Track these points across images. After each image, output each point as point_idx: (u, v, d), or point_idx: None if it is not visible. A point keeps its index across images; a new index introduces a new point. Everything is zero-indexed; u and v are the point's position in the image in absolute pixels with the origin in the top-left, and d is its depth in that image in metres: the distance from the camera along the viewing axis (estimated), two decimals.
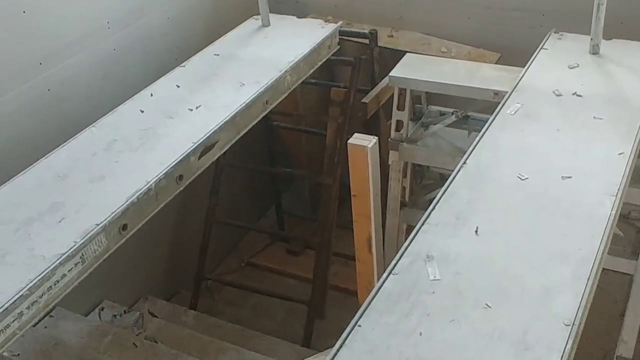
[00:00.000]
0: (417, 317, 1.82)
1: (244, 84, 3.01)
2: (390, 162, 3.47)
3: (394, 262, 2.01)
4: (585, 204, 2.17)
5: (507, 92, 2.82)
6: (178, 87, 3.05)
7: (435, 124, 3.49)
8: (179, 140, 2.65)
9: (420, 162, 3.59)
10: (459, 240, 2.06)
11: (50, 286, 2.05)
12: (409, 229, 3.47)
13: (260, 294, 4.13)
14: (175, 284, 4.18)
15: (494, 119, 2.64)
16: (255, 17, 3.64)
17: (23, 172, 2.51)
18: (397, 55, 3.64)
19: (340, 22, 3.62)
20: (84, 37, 3.23)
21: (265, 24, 3.57)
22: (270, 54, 3.29)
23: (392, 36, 4.12)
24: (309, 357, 3.09)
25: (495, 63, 3.71)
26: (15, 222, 2.25)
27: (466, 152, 2.46)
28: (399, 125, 3.44)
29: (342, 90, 3.91)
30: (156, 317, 3.64)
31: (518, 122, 2.60)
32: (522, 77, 2.90)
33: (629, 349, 3.26)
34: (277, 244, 4.62)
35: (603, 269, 2.03)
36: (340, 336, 1.78)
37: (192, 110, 2.85)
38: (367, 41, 3.83)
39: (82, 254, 2.15)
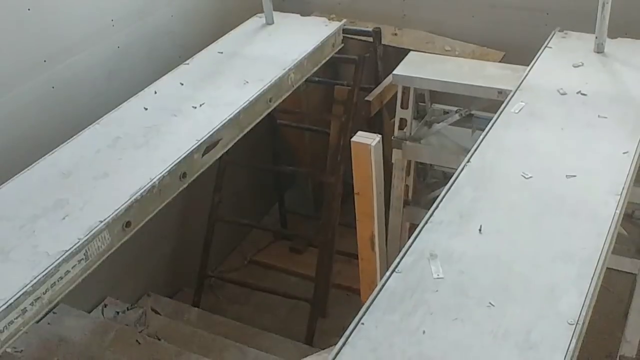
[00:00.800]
0: (420, 315, 1.82)
1: (247, 82, 3.02)
2: (393, 161, 3.47)
3: (397, 260, 2.00)
4: (589, 203, 2.16)
5: (511, 90, 2.82)
6: (182, 84, 3.06)
7: (438, 123, 3.49)
8: (183, 137, 2.65)
9: (423, 161, 3.59)
10: (462, 239, 2.06)
11: (54, 282, 2.06)
12: (412, 227, 3.47)
13: (263, 292, 4.13)
14: (178, 281, 4.19)
15: (498, 117, 2.63)
16: (259, 15, 3.64)
17: (27, 169, 2.53)
18: (400, 54, 3.63)
19: (344, 20, 3.62)
20: (89, 35, 3.23)
21: (269, 22, 3.58)
22: (274, 52, 3.30)
23: (396, 34, 4.12)
24: (311, 355, 3.09)
25: (500, 61, 3.70)
26: (20, 218, 2.26)
27: (470, 150, 2.46)
28: (403, 123, 3.43)
29: (345, 89, 3.91)
30: (159, 314, 3.65)
31: (522, 121, 2.60)
32: (526, 76, 2.90)
33: (632, 349, 3.25)
34: (280, 242, 4.62)
35: (607, 268, 2.02)
36: (342, 334, 1.78)
37: (195, 107, 2.86)
38: (371, 39, 3.83)
39: (86, 251, 2.16)
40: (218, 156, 2.79)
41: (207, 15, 3.93)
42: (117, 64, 3.40)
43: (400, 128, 3.44)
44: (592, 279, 1.89)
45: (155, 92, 3.01)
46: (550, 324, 1.76)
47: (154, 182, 2.41)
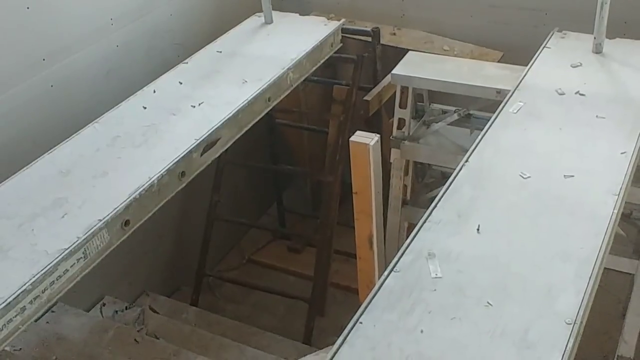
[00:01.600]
0: (418, 314, 1.82)
1: (246, 81, 3.02)
2: (392, 160, 3.47)
3: (395, 259, 2.01)
4: (587, 203, 2.17)
5: (509, 90, 2.82)
6: (181, 83, 3.06)
7: (437, 122, 3.49)
8: (182, 136, 2.65)
9: (422, 160, 3.59)
10: (460, 238, 2.07)
11: (53, 281, 2.06)
12: (410, 227, 3.47)
13: (261, 291, 4.13)
14: (177, 280, 4.19)
15: (496, 117, 2.64)
16: (258, 14, 3.64)
17: (26, 167, 2.52)
18: (399, 53, 3.63)
19: (342, 20, 3.62)
20: (88, 33, 3.23)
21: (268, 21, 3.58)
22: (273, 51, 3.30)
23: (394, 34, 4.12)
24: (309, 354, 3.09)
25: (498, 61, 3.70)
26: (19, 217, 2.26)
27: (468, 150, 2.46)
28: (401, 123, 3.44)
29: (344, 88, 3.91)
30: (157, 313, 3.65)
31: (521, 121, 2.60)
32: (524, 76, 2.90)
33: (630, 349, 3.25)
34: (278, 241, 4.63)
35: (605, 268, 2.03)
36: (340, 334, 1.78)
37: (194, 107, 2.86)
38: (369, 39, 3.83)
39: (85, 250, 2.16)
40: (217, 155, 2.79)
41: (206, 14, 3.93)
42: (116, 62, 3.40)
43: (399, 128, 3.44)
44: (589, 279, 1.89)
45: (154, 91, 3.00)
46: (548, 323, 1.77)
47: (153, 181, 2.41)
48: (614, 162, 2.34)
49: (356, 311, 1.85)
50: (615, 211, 2.13)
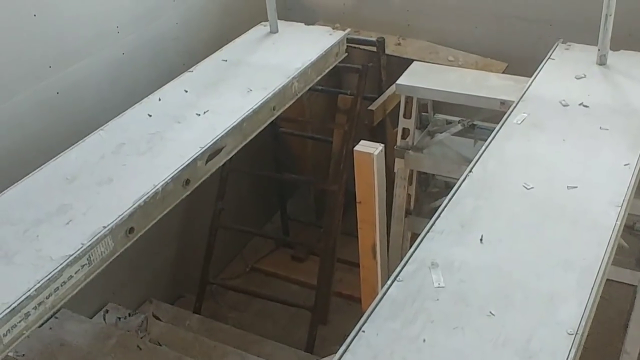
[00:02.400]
0: (421, 323, 1.83)
1: (251, 90, 3.03)
2: (396, 170, 3.48)
3: (398, 268, 2.02)
4: (590, 213, 2.17)
5: (513, 101, 2.83)
6: (186, 92, 3.07)
7: (441, 133, 3.50)
8: (186, 144, 2.66)
9: (426, 170, 3.60)
10: (463, 248, 2.07)
11: (57, 287, 2.07)
12: (414, 236, 3.47)
13: (264, 299, 4.14)
14: (180, 287, 4.20)
15: (500, 128, 2.65)
16: (263, 23, 3.66)
17: (32, 173, 2.53)
18: (404, 63, 3.66)
19: (348, 30, 3.64)
20: (94, 40, 3.25)
21: (274, 31, 3.59)
22: (278, 60, 3.31)
23: (399, 44, 4.14)
24: None
25: (503, 72, 3.72)
26: (24, 222, 2.27)
27: (472, 160, 2.47)
28: (405, 133, 3.45)
29: (349, 98, 3.93)
30: (160, 320, 3.66)
31: (524, 132, 2.61)
32: (528, 87, 2.91)
33: None
34: (281, 250, 4.63)
35: (607, 279, 2.03)
36: (342, 342, 1.79)
37: (199, 115, 2.87)
38: (374, 49, 3.85)
39: (89, 256, 2.17)
40: (221, 163, 2.80)
41: (212, 22, 3.95)
42: (121, 70, 3.42)
43: (403, 137, 3.46)
44: (592, 289, 1.89)
45: (160, 99, 3.02)
46: (550, 333, 1.77)
47: (158, 189, 2.42)
48: (617, 174, 2.35)
49: (359, 320, 1.85)
50: (618, 222, 2.13)
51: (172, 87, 3.12)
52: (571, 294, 1.88)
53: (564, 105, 2.76)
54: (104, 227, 2.23)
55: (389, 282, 1.97)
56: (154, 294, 3.91)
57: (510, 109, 2.77)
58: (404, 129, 3.45)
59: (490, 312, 1.84)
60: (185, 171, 2.55)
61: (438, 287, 1.94)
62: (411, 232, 3.59)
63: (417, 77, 3.41)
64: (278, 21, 3.59)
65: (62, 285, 2.09)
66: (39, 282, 2.01)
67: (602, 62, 3.04)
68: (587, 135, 2.57)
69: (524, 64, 3.30)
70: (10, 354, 2.46)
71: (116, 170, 2.54)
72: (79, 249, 2.14)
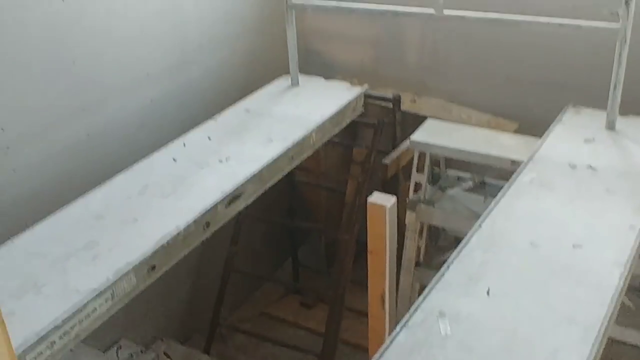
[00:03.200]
0: None
1: (272, 140, 3.15)
2: (407, 222, 3.54)
3: (407, 316, 2.08)
4: (594, 272, 2.23)
5: (523, 161, 2.91)
6: (210, 139, 3.19)
7: (452, 188, 3.58)
8: (208, 189, 2.77)
9: (436, 224, 3.65)
10: (470, 300, 2.14)
11: (82, 319, 2.16)
12: (422, 288, 3.53)
13: (272, 344, 4.18)
14: (191, 327, 4.24)
15: (510, 186, 2.72)
16: (285, 76, 3.80)
17: (61, 209, 2.65)
18: (418, 119, 3.74)
19: (365, 86, 3.76)
20: (125, 87, 3.37)
21: (295, 84, 3.73)
22: (299, 112, 3.43)
23: (414, 101, 4.23)
24: None
25: (514, 132, 3.79)
26: (53, 255, 2.38)
27: (481, 216, 2.56)
28: (418, 187, 3.52)
29: (364, 151, 4.02)
30: (171, 359, 3.70)
31: (533, 191, 2.69)
32: (538, 148, 2.99)
33: None
34: (291, 296, 4.69)
35: (614, 340, 2.07)
36: None
37: (222, 161, 2.99)
38: (390, 105, 3.96)
39: (113, 291, 2.26)
40: (240, 208, 2.89)
41: (236, 74, 4.07)
42: (149, 115, 3.53)
43: (415, 191, 3.53)
44: (593, 346, 1.95)
45: (184, 145, 3.15)
46: None
47: (180, 230, 2.52)
48: (622, 235, 2.41)
49: None
50: (622, 282, 2.19)
51: (197, 134, 3.24)
52: (574, 350, 1.93)
53: (572, 167, 2.84)
54: (128, 264, 2.33)
55: (397, 328, 2.04)
56: (167, 332, 3.95)
57: (520, 168, 2.86)
58: (416, 183, 3.53)
59: None
60: (207, 214, 2.65)
61: (445, 335, 2.01)
62: (420, 283, 3.64)
63: (431, 134, 3.50)
64: (299, 75, 3.73)
65: (86, 318, 2.18)
66: (65, 313, 2.11)
67: (610, 126, 3.12)
68: (593, 197, 2.64)
69: (534, 125, 3.37)
70: None
71: (141, 210, 2.65)
72: (104, 284, 2.24)
